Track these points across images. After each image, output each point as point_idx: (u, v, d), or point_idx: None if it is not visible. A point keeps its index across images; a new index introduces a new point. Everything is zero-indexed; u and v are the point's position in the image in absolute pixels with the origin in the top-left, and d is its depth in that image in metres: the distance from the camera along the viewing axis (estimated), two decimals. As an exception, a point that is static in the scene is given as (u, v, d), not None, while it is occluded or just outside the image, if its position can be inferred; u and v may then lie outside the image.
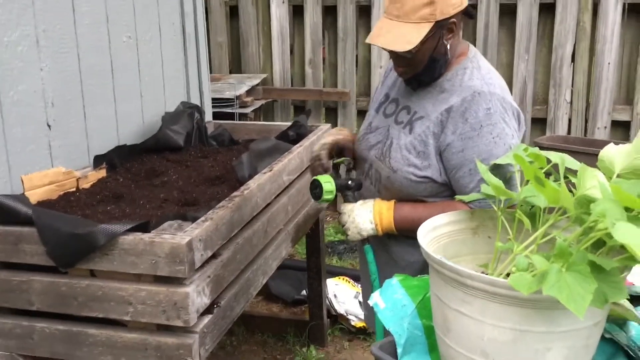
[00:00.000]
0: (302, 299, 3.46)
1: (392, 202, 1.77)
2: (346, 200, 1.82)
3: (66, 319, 1.69)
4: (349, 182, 1.81)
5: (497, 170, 1.55)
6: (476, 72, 1.73)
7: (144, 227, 1.63)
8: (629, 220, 1.03)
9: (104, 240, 1.56)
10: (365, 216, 1.76)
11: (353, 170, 1.94)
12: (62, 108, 2.28)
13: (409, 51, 1.64)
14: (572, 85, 4.57)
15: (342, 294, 3.29)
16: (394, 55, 1.72)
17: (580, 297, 0.95)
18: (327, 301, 3.24)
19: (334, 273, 3.57)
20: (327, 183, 1.79)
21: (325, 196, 1.79)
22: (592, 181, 1.18)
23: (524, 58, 4.61)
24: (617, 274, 1.02)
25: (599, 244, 1.12)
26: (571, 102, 4.58)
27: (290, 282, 3.67)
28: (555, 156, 1.30)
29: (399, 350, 1.38)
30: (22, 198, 1.76)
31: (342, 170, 1.97)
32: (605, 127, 4.53)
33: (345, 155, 1.93)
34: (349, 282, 3.41)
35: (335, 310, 3.25)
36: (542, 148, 1.31)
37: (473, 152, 1.65)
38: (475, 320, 1.16)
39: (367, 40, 1.67)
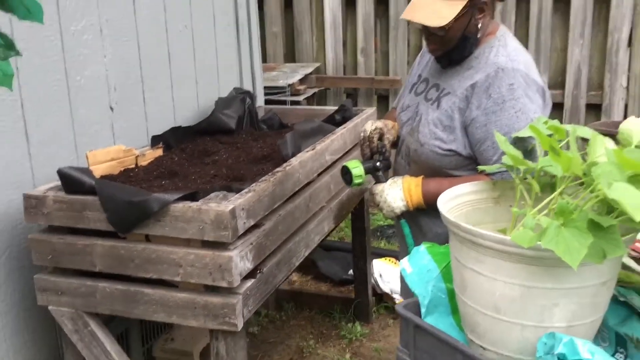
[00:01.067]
0: (350, 279, 3.58)
1: (420, 178, 1.86)
2: (378, 181, 1.92)
3: (124, 279, 1.87)
4: (377, 164, 1.92)
5: (520, 143, 1.63)
6: (502, 49, 1.80)
7: (193, 197, 1.79)
8: (630, 182, 1.10)
9: (157, 208, 1.72)
10: (396, 194, 1.87)
11: (386, 153, 2.02)
12: (124, 92, 2.47)
13: (442, 28, 1.73)
14: (629, 70, 4.49)
15: (387, 274, 3.39)
16: (427, 32, 1.81)
17: (575, 250, 1.03)
18: (373, 280, 3.35)
19: (381, 255, 3.67)
20: (356, 168, 1.90)
21: (355, 180, 1.90)
22: (602, 149, 1.25)
23: (579, 43, 4.55)
24: (615, 231, 1.09)
25: (610, 210, 1.19)
26: (627, 87, 4.50)
27: (339, 263, 3.80)
28: (570, 127, 1.36)
29: (423, 311, 1.48)
30: (86, 170, 1.95)
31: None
32: (663, 113, 4.43)
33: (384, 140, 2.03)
34: (395, 262, 3.50)
35: (381, 289, 3.36)
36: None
37: (496, 126, 1.72)
38: (488, 277, 1.25)
39: (402, 16, 1.76)
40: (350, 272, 3.56)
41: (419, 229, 1.94)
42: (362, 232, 3.13)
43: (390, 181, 1.90)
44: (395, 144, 2.05)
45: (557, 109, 4.62)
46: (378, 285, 3.37)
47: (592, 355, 1.08)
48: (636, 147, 1.37)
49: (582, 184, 1.26)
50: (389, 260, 3.55)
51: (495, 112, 1.72)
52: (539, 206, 1.27)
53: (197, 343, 2.75)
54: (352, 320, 3.23)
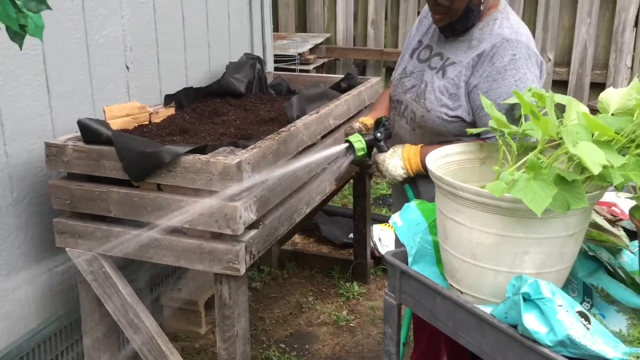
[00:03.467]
0: (350, 243, 3.72)
1: (419, 147, 1.98)
2: (380, 151, 2.03)
3: (137, 225, 2.01)
4: (378, 135, 2.02)
5: (513, 109, 1.75)
6: (505, 22, 1.91)
7: (202, 150, 1.92)
8: (596, 143, 1.21)
9: (169, 158, 1.86)
10: (396, 163, 1.99)
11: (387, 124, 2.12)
12: (139, 53, 2.60)
13: None
14: (634, 50, 4.55)
15: (386, 238, 3.53)
16: (432, 2, 1.92)
17: (541, 199, 1.15)
18: (372, 244, 3.49)
19: (381, 221, 3.81)
20: (358, 142, 2.01)
21: (358, 153, 2.01)
22: (575, 114, 1.36)
23: (586, 22, 4.61)
24: (579, 186, 1.21)
25: (582, 171, 1.31)
26: (632, 67, 4.57)
27: (341, 227, 3.94)
28: (549, 94, 1.47)
29: (410, 260, 1.61)
30: (104, 123, 2.08)
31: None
32: (666, 93, 4.51)
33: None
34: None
35: (379, 252, 3.50)
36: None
37: (496, 93, 1.84)
38: (466, 227, 1.37)
39: None
40: (351, 235, 3.70)
41: (417, 191, 2.07)
42: (363, 197, 3.27)
43: (391, 150, 2.01)
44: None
45: (561, 87, 4.71)
46: (377, 249, 3.52)
47: (553, 295, 1.21)
48: (612, 115, 1.48)
49: (558, 145, 1.38)
50: (389, 226, 3.69)
51: (497, 80, 1.84)
52: (517, 164, 1.40)
53: (203, 294, 2.92)
54: (350, 280, 3.39)
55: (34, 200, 2.16)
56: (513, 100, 1.66)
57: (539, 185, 1.18)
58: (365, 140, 2.03)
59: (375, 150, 2.04)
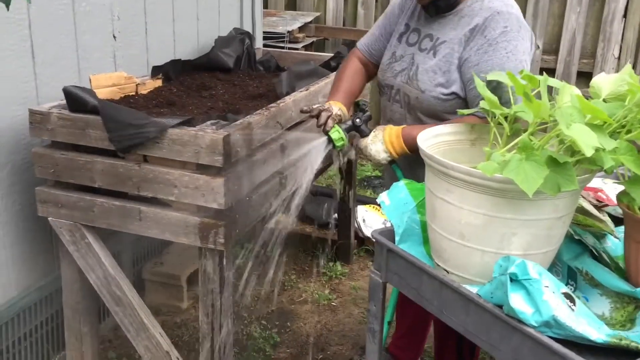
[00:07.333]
0: (334, 223, 3.72)
1: (400, 128, 1.95)
2: (362, 135, 1.98)
3: (122, 196, 1.98)
4: (357, 121, 1.97)
5: (501, 85, 1.74)
6: None
7: (190, 123, 1.89)
8: (589, 126, 1.21)
9: (156, 131, 1.83)
10: (378, 147, 1.95)
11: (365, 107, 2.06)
12: (127, 22, 2.55)
13: None
14: (622, 41, 4.57)
15: (370, 219, 3.54)
16: None
17: (533, 180, 1.15)
18: (356, 224, 3.49)
19: (366, 202, 3.81)
20: (335, 132, 1.95)
21: (337, 143, 1.95)
22: (569, 97, 1.36)
23: (576, 10, 4.62)
24: (570, 168, 1.21)
25: (574, 153, 1.31)
26: (619, 58, 4.59)
27: (325, 208, 3.94)
28: (542, 77, 1.47)
29: (397, 239, 1.61)
30: (90, 91, 2.04)
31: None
32: (651, 85, 4.55)
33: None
34: (378, 210, 3.65)
35: (363, 233, 3.51)
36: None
37: (487, 65, 1.83)
38: (455, 206, 1.37)
39: None
40: (335, 216, 3.70)
41: (416, 177, 2.03)
42: (349, 177, 3.26)
43: (372, 135, 1.96)
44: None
45: (549, 74, 4.68)
46: (360, 230, 3.52)
47: (540, 276, 1.22)
48: (604, 100, 1.49)
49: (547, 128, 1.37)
50: (374, 207, 3.70)
51: (488, 52, 1.83)
52: (509, 146, 1.40)
53: (185, 268, 2.90)
54: (333, 260, 3.40)
55: (16, 168, 2.12)
56: (496, 75, 1.64)
57: (531, 166, 1.18)
58: (344, 129, 1.96)
59: (357, 135, 1.99)
